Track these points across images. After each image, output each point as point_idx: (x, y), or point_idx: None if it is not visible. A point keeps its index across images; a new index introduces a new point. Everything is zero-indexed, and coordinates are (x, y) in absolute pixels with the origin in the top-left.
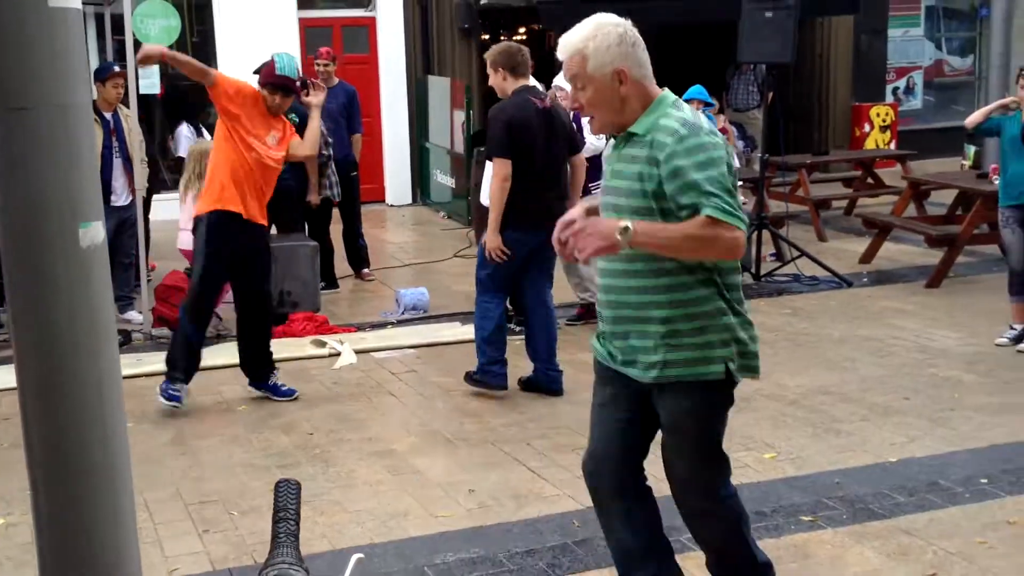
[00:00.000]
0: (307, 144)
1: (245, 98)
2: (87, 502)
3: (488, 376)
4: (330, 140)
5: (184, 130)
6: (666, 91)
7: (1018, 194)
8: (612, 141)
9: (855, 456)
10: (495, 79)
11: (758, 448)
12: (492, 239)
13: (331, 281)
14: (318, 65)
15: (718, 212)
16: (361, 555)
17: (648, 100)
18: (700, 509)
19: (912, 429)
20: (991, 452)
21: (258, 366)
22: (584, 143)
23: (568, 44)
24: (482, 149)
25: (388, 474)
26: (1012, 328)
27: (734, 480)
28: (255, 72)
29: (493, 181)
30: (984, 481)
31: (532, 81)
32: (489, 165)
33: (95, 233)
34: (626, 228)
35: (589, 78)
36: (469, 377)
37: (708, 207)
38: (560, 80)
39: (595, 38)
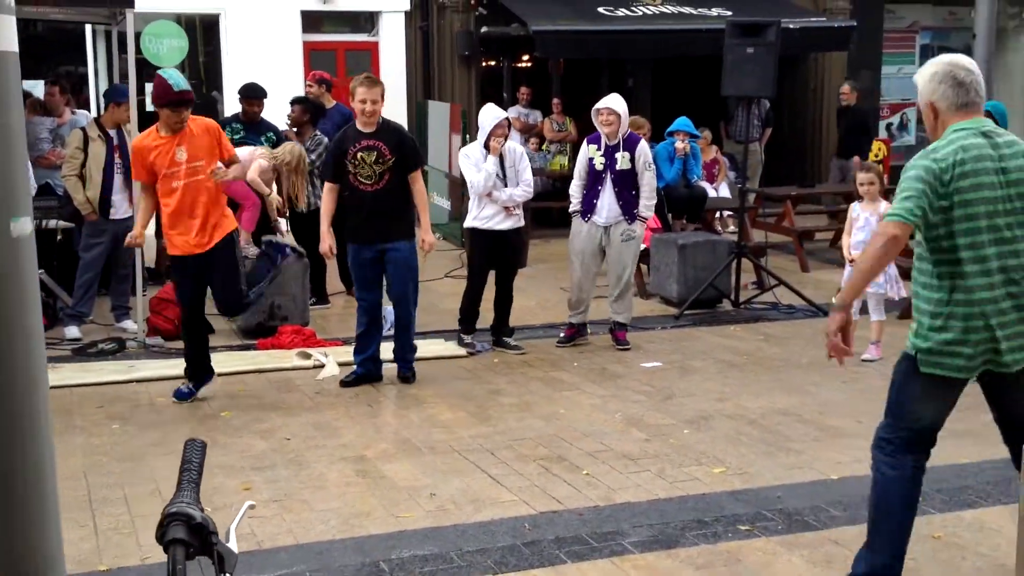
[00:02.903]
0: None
1: (145, 157)
2: (15, 489)
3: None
4: (312, 149)
5: None
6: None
7: None
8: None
9: (800, 473)
10: (381, 106)
11: (709, 463)
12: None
13: (322, 297)
14: (308, 86)
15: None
16: (252, 503)
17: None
18: None
19: (859, 450)
20: (929, 473)
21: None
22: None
23: None
24: None
25: (357, 477)
26: None
27: (680, 492)
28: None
29: (423, 187)
30: None
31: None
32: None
33: (23, 226)
34: None
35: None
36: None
37: None
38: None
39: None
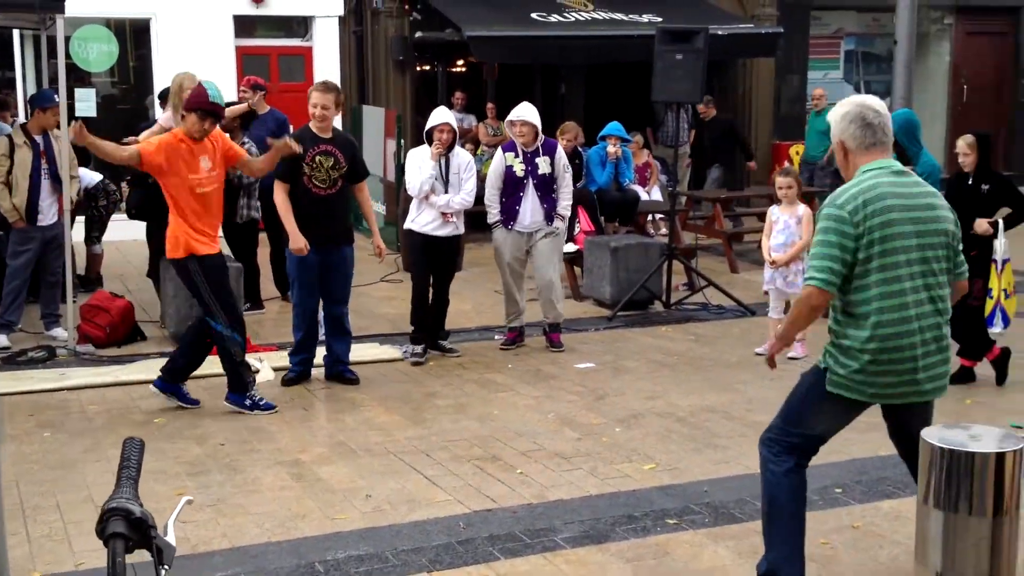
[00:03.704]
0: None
1: (169, 151)
2: None
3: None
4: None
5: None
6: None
7: None
8: None
9: (727, 467)
10: (336, 114)
11: (639, 460)
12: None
13: (256, 302)
14: (242, 91)
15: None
16: (190, 498)
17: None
18: None
19: None
20: (849, 465)
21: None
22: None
23: None
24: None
25: (292, 481)
26: None
27: (611, 488)
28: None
29: (369, 196)
30: (838, 490)
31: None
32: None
33: None
34: None
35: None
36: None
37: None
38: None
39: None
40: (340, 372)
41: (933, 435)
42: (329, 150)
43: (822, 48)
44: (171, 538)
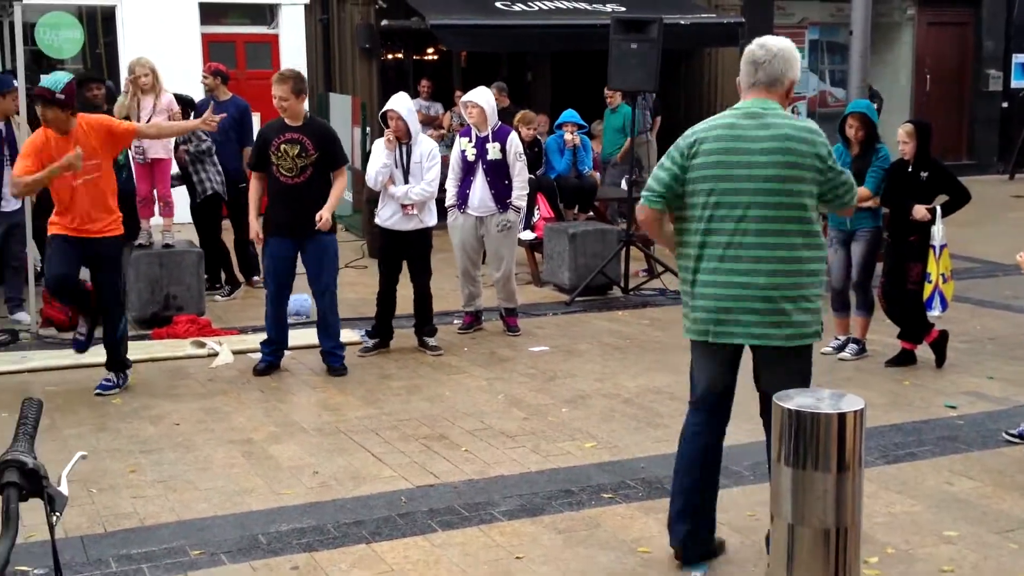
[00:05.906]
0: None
1: (39, 153)
2: None
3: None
4: (205, 135)
5: None
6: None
7: (842, 220)
8: None
9: (666, 445)
10: (298, 102)
11: (582, 438)
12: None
13: (234, 282)
14: (203, 78)
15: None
16: (84, 453)
17: None
18: None
19: None
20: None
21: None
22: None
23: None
24: None
25: (243, 458)
26: (836, 339)
27: (551, 465)
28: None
29: (344, 183)
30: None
31: None
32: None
33: None
34: None
35: None
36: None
37: None
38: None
39: None
40: (331, 362)
41: (785, 399)
42: (296, 138)
43: (787, 37)
44: (64, 488)
